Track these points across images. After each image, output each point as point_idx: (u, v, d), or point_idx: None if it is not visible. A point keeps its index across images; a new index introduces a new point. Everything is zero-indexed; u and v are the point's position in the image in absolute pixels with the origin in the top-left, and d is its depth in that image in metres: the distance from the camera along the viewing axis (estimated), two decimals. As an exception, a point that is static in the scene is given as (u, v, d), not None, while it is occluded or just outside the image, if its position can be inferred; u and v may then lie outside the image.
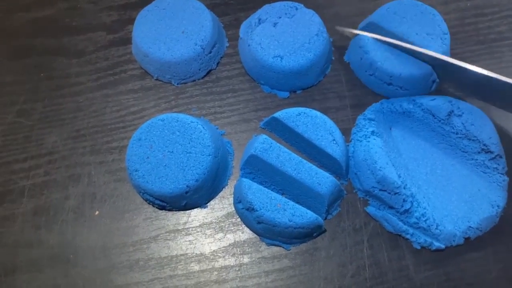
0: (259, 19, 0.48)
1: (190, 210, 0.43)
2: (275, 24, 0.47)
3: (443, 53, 0.45)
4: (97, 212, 0.43)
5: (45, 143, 0.46)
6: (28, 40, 0.52)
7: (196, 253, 0.41)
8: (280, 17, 0.48)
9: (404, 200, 0.40)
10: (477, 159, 0.42)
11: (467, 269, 0.40)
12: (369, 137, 0.43)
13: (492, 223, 0.41)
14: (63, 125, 0.47)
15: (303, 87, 0.48)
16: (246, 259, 0.41)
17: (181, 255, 0.41)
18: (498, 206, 0.41)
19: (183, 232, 0.42)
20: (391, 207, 0.41)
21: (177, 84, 0.49)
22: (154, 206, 0.43)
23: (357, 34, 0.47)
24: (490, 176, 0.42)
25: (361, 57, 0.47)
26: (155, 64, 0.47)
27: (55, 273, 0.41)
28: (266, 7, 0.49)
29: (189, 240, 0.42)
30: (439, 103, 0.43)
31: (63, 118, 0.48)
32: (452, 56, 0.46)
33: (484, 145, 0.42)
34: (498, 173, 0.42)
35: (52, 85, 0.49)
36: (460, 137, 0.43)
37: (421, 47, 0.44)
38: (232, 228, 0.42)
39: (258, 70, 0.47)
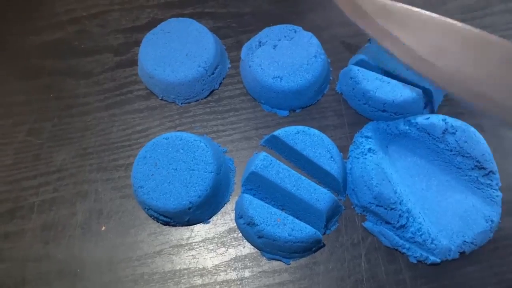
0: (260, 42, 0.50)
1: (193, 226, 0.44)
2: (274, 46, 0.49)
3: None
4: (103, 228, 0.44)
5: (54, 161, 0.48)
6: (38, 61, 0.54)
7: (198, 267, 0.42)
8: (279, 40, 0.50)
9: (400, 216, 0.41)
10: (471, 175, 0.44)
11: (463, 283, 0.41)
12: (366, 154, 0.45)
13: (486, 237, 0.42)
14: (71, 143, 0.49)
15: (302, 106, 0.50)
16: (247, 273, 0.42)
17: (184, 269, 0.42)
18: (492, 221, 0.42)
19: (186, 247, 0.43)
20: (387, 222, 0.42)
21: (181, 104, 0.50)
22: (158, 222, 0.44)
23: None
24: (484, 192, 0.43)
25: (353, 87, 0.48)
26: (160, 85, 0.49)
27: (62, 286, 0.42)
28: (266, 30, 0.51)
29: (192, 255, 0.43)
30: (433, 122, 0.44)
31: (71, 137, 0.49)
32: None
33: (477, 161, 0.43)
34: (492, 188, 0.43)
35: (61, 105, 0.51)
36: (454, 154, 0.44)
37: (412, 81, 0.46)
38: (234, 243, 0.43)
39: (258, 90, 0.49)
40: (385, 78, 0.47)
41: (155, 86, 0.50)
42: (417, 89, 0.46)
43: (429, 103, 0.48)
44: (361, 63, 0.49)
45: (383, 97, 0.46)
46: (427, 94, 0.47)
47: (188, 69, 0.48)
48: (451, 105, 0.49)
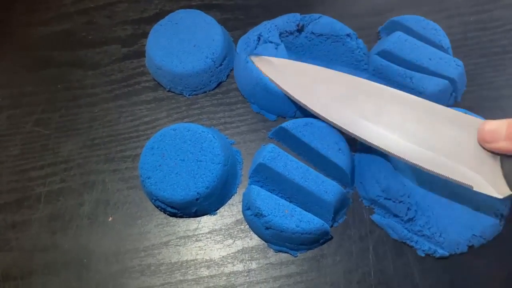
0: (259, 36, 0.49)
1: (200, 217, 0.44)
2: (277, 47, 0.48)
3: (458, 75, 0.46)
4: (110, 218, 0.44)
5: (62, 151, 0.48)
6: (46, 52, 0.55)
7: (205, 259, 0.42)
8: (283, 36, 0.49)
9: (408, 209, 0.41)
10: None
11: (471, 276, 0.41)
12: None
13: (495, 231, 0.42)
14: (78, 134, 0.49)
15: (294, 116, 0.49)
16: (254, 265, 0.42)
17: (191, 260, 0.42)
18: (501, 215, 0.42)
19: (193, 238, 0.43)
20: (395, 215, 0.42)
21: (189, 95, 0.50)
22: (165, 213, 0.44)
23: None
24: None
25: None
26: (168, 76, 0.49)
27: (69, 276, 0.42)
28: (266, 23, 0.50)
29: (199, 246, 0.43)
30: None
31: (79, 128, 0.49)
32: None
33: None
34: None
35: (69, 96, 0.51)
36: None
37: (435, 71, 0.46)
38: (241, 235, 0.43)
39: (250, 89, 0.48)
40: (407, 72, 0.47)
41: (163, 77, 0.50)
42: (443, 80, 0.46)
43: (453, 92, 0.48)
44: (383, 54, 0.48)
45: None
46: (452, 84, 0.47)
47: (196, 60, 0.48)
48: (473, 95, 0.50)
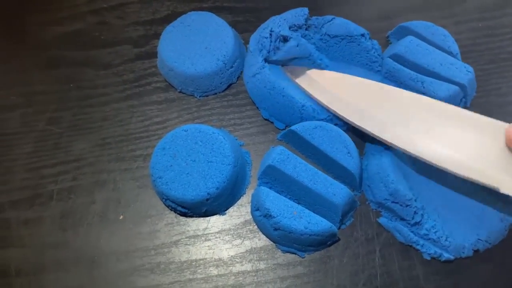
0: (271, 31, 0.49)
1: (209, 217, 0.45)
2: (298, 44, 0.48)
3: (469, 81, 0.47)
4: (121, 217, 0.45)
5: (73, 150, 0.49)
6: (59, 52, 0.55)
7: (214, 258, 0.43)
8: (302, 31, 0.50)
9: (415, 212, 0.42)
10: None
11: (476, 280, 0.41)
12: (382, 151, 0.45)
13: (501, 236, 0.42)
14: (90, 133, 0.50)
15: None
16: (262, 265, 0.43)
17: (200, 259, 0.43)
18: (507, 219, 0.42)
19: (202, 238, 0.44)
20: (402, 219, 0.43)
21: (199, 96, 0.51)
22: (175, 212, 0.45)
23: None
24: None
25: None
26: (180, 78, 0.50)
27: (80, 273, 0.43)
28: (274, 18, 0.51)
29: (208, 246, 0.44)
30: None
31: (90, 127, 0.50)
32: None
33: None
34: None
35: (81, 95, 0.52)
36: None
37: (446, 77, 0.46)
38: (249, 235, 0.44)
39: (264, 93, 0.49)
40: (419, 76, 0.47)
41: (174, 78, 0.50)
42: (454, 86, 0.46)
43: (463, 98, 0.48)
44: (395, 58, 0.48)
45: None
46: (462, 90, 0.47)
47: (208, 62, 0.49)
48: (482, 100, 0.50)
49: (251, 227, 0.44)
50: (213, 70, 0.49)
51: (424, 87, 0.46)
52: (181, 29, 0.51)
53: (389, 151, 0.44)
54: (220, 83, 0.50)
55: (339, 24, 0.49)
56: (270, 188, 0.44)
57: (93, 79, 0.53)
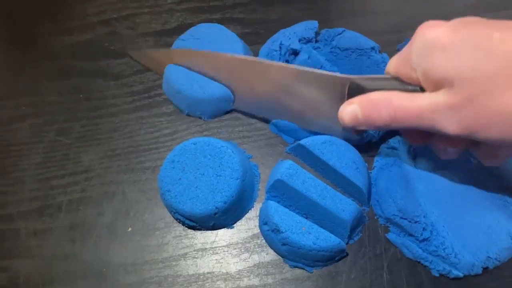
0: (281, 44, 0.49)
1: (217, 230, 0.45)
2: (309, 57, 0.49)
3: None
4: (130, 229, 0.45)
5: (82, 161, 0.49)
6: (68, 62, 0.56)
7: (222, 272, 0.43)
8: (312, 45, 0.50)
9: (424, 229, 0.41)
10: (498, 192, 0.44)
11: (485, 298, 0.41)
12: (391, 166, 0.45)
13: (510, 254, 0.42)
14: (99, 144, 0.50)
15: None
16: (270, 280, 0.42)
17: (208, 273, 0.43)
18: (517, 237, 0.42)
19: (210, 251, 0.44)
20: (411, 235, 0.42)
21: (207, 119, 0.51)
22: (183, 225, 0.45)
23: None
24: (509, 208, 0.43)
25: None
26: (187, 101, 0.50)
27: (88, 285, 0.43)
28: (284, 31, 0.51)
29: (216, 259, 0.44)
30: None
31: (99, 138, 0.50)
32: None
33: (508, 182, 0.43)
34: (518, 205, 0.43)
35: (90, 106, 0.52)
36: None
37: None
38: (257, 249, 0.44)
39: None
40: None
41: (182, 101, 0.50)
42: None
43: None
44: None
45: None
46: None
47: (217, 87, 0.49)
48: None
49: (259, 241, 0.44)
50: (221, 95, 0.49)
51: None
52: (191, 42, 0.51)
53: (399, 166, 0.44)
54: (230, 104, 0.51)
55: (349, 37, 0.49)
56: (278, 202, 0.44)
57: (103, 90, 0.53)
